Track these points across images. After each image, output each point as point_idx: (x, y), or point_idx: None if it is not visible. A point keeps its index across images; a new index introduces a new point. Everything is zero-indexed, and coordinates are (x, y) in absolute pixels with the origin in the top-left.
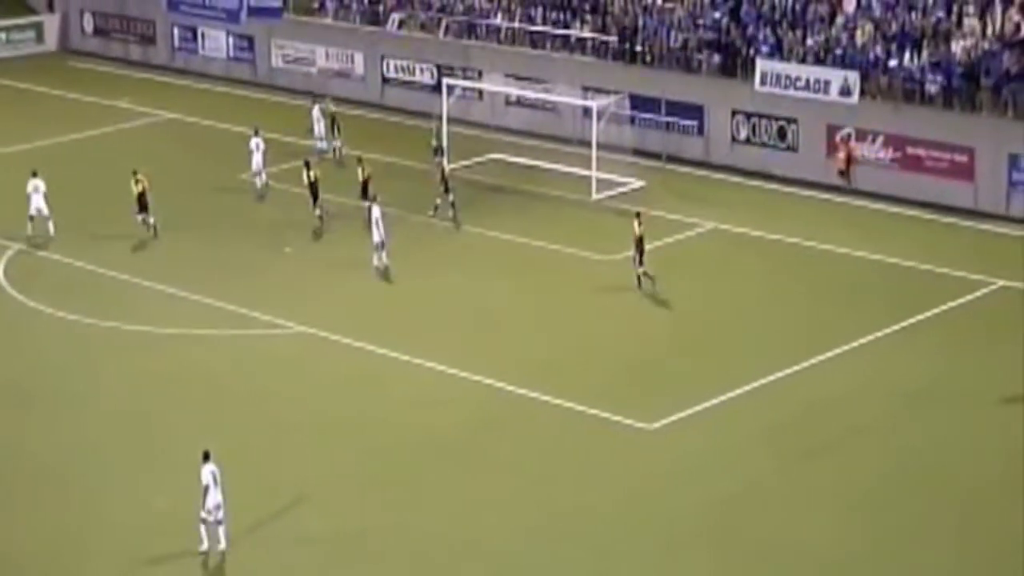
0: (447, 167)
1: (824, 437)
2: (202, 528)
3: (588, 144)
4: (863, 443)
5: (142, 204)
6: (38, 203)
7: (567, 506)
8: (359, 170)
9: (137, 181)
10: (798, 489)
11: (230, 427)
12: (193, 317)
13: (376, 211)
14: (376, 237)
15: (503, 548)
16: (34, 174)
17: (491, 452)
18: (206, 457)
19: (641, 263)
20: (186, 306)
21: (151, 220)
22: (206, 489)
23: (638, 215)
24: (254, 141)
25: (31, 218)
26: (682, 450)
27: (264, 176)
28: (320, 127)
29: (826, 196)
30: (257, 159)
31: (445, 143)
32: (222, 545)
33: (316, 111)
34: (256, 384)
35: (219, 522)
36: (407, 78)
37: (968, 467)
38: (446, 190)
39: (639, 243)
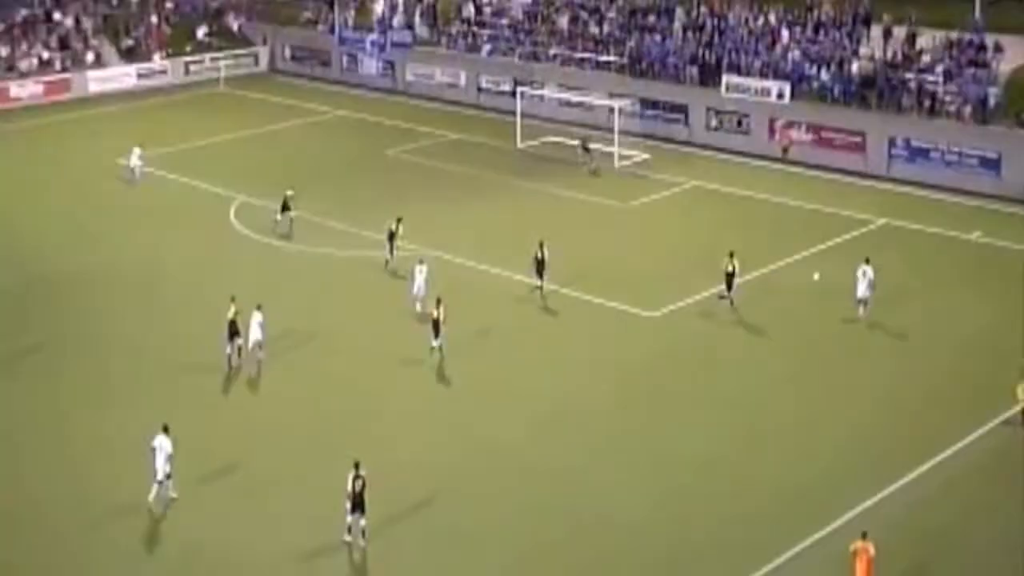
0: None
1: (788, 318)
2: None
3: (612, 131)
4: (825, 319)
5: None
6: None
7: (592, 374)
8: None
9: (287, 200)
10: (766, 354)
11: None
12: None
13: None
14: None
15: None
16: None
17: (526, 334)
18: (165, 430)
19: (541, 277)
20: (359, 238)
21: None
22: (153, 452)
23: (541, 244)
24: (136, 152)
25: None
26: (677, 331)
27: (137, 174)
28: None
29: (767, 164)
30: (135, 162)
31: (590, 145)
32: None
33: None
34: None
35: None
36: (494, 88)
37: (929, 345)
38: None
39: (540, 264)
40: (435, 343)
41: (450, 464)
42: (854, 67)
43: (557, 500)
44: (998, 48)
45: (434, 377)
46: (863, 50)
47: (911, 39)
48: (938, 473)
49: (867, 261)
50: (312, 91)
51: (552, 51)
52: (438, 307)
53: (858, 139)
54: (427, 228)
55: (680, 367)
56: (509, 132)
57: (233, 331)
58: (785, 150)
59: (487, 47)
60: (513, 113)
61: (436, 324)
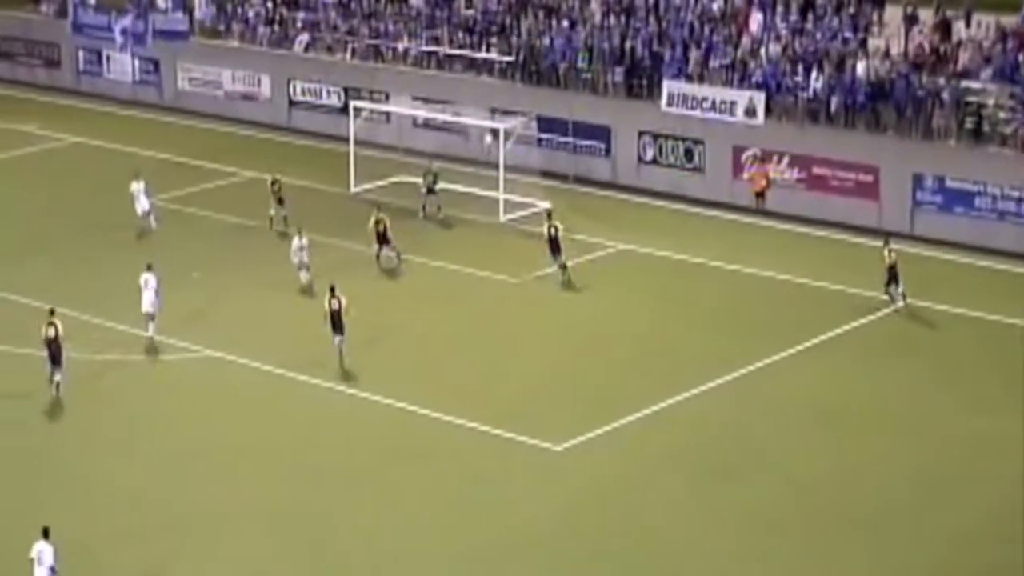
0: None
1: (730, 460)
2: None
3: (496, 166)
4: (770, 465)
5: None
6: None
7: (478, 529)
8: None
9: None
10: (704, 512)
11: (137, 454)
12: (101, 341)
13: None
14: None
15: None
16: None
17: (400, 477)
18: (45, 535)
19: (557, 254)
20: (94, 331)
21: None
22: (31, 563)
23: (549, 215)
24: (135, 186)
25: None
26: (588, 471)
27: (153, 220)
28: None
29: (734, 217)
30: (143, 203)
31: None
32: None
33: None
34: (166, 410)
35: None
36: (314, 100)
37: (874, 489)
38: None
39: (552, 241)
40: (335, 340)
41: None
42: (860, 69)
43: None
44: None
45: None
46: (874, 43)
47: (944, 27)
48: None
49: None
50: (30, 105)
51: (403, 44)
52: (335, 295)
53: (867, 178)
54: (210, 318)
55: (590, 529)
56: (338, 168)
57: (55, 351)
58: (759, 195)
59: (303, 38)
60: (344, 139)
61: (335, 316)
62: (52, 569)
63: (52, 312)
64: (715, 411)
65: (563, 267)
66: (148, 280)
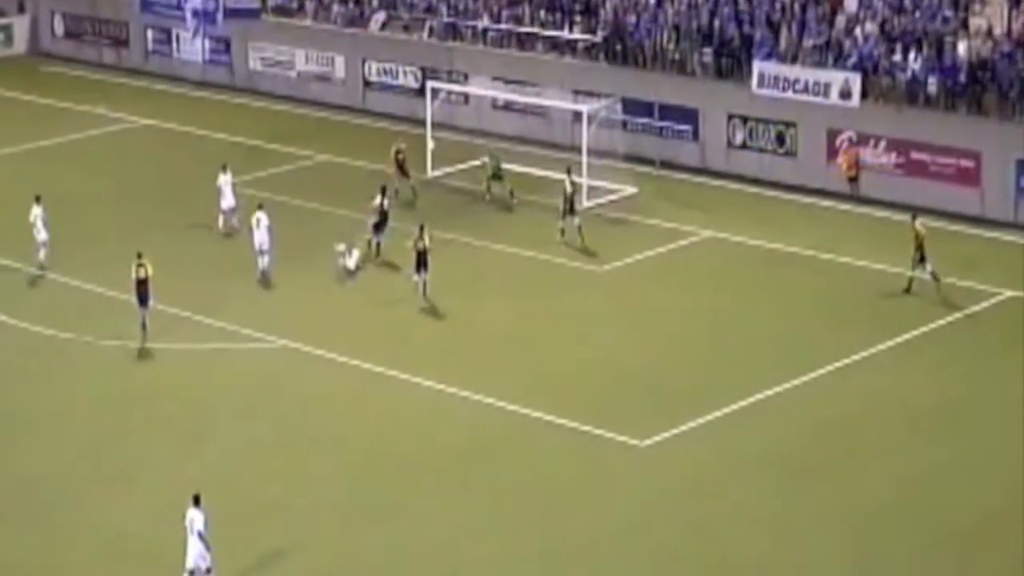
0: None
1: (821, 458)
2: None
3: (579, 150)
4: (862, 464)
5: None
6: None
7: (561, 528)
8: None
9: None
10: (792, 513)
11: (211, 447)
12: (173, 331)
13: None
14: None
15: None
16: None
17: (481, 472)
18: (196, 502)
19: (572, 214)
20: (165, 320)
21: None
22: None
23: (569, 171)
24: (223, 178)
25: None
26: (673, 468)
27: (236, 220)
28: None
29: (827, 203)
30: (228, 199)
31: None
32: None
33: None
34: (239, 401)
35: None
36: (390, 81)
37: (972, 492)
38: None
39: (569, 199)
40: (417, 277)
41: None
42: (961, 49)
43: None
44: None
45: None
46: (975, 23)
47: None
48: None
49: None
50: (100, 86)
51: (483, 23)
52: (422, 235)
53: (969, 163)
54: (285, 307)
55: (674, 528)
56: (414, 152)
57: (143, 293)
58: (852, 179)
59: (379, 17)
60: (421, 122)
61: (422, 255)
62: (200, 535)
63: (140, 255)
64: (805, 408)
65: (579, 228)
66: (260, 219)
